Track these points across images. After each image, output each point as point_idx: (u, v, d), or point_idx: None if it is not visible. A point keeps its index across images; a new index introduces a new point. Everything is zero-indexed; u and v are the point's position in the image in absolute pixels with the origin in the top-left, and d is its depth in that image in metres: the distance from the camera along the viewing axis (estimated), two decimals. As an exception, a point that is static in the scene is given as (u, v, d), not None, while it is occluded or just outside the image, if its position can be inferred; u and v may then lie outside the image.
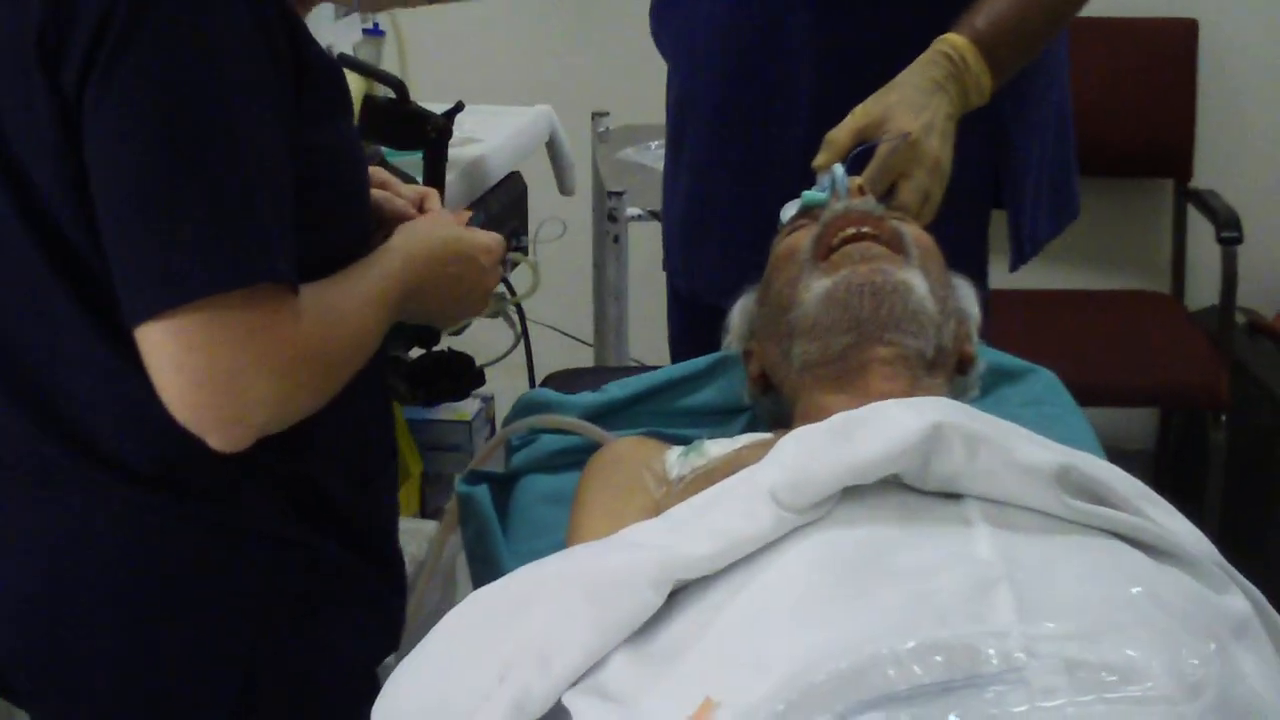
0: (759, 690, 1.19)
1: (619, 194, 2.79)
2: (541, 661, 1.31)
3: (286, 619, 1.56)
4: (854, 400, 1.57)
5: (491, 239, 1.80)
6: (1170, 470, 3.88)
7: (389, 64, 3.25)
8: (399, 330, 2.10)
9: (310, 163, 1.48)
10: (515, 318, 2.50)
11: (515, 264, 2.55)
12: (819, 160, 1.85)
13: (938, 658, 1.19)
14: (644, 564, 1.34)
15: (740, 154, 2.17)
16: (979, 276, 2.22)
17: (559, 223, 2.68)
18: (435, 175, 2.09)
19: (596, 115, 3.31)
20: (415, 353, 2.33)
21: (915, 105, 1.87)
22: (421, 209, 1.81)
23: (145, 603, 1.52)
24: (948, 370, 1.69)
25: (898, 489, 1.38)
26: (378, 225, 1.72)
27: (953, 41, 1.92)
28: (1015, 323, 3.61)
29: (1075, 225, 2.40)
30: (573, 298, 3.20)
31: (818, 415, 1.50)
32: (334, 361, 1.50)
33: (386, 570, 1.68)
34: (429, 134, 2.07)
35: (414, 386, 2.20)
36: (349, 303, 1.53)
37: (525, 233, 2.73)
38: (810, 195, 1.80)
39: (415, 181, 1.98)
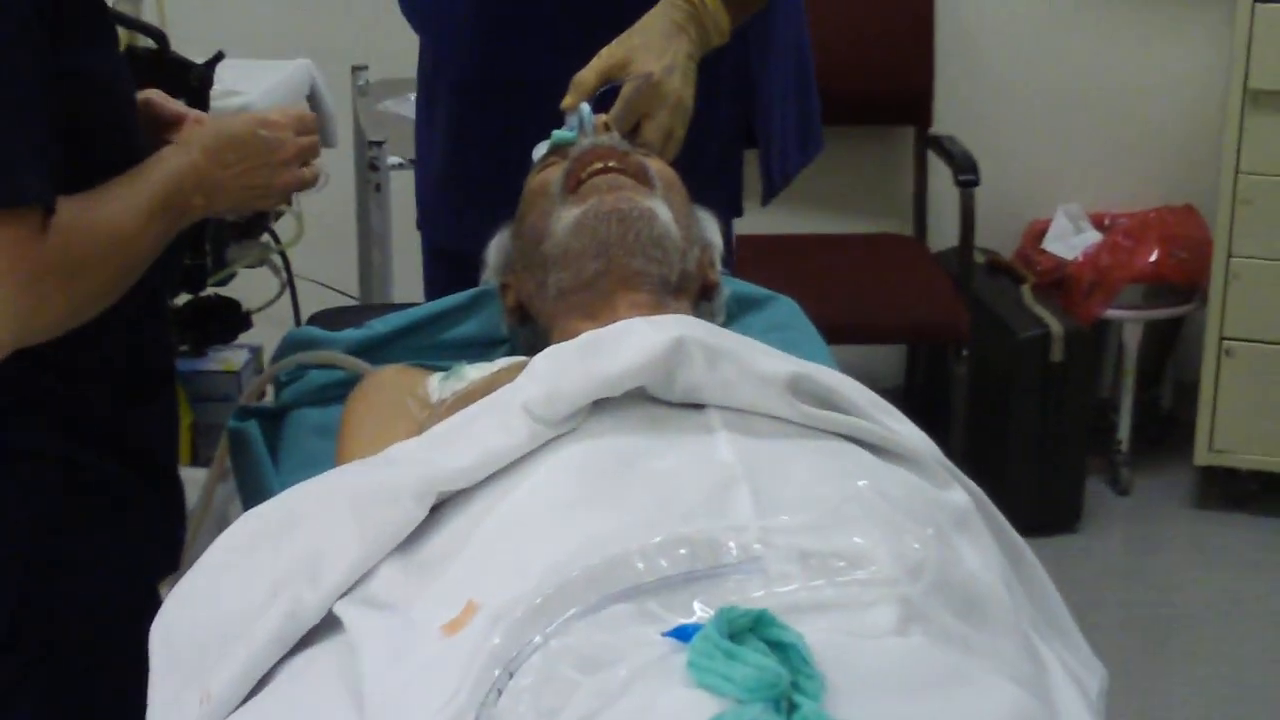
0: (518, 589, 1.27)
1: (379, 143, 2.85)
2: (311, 574, 1.38)
3: (52, 535, 1.63)
4: (603, 324, 1.66)
5: (276, 112, 1.86)
6: (918, 402, 4.07)
7: (149, 16, 3.27)
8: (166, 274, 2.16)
9: (73, 86, 1.56)
10: (281, 266, 2.57)
11: (278, 215, 2.61)
12: (566, 101, 1.94)
13: (682, 551, 1.28)
14: (406, 478, 1.42)
15: (499, 122, 2.24)
16: (734, 209, 2.35)
17: (322, 173, 2.74)
18: (199, 123, 2.13)
19: (356, 69, 3.36)
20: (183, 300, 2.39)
21: (657, 47, 1.97)
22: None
23: None
24: (691, 295, 1.79)
25: (645, 401, 1.47)
26: (155, 130, 1.81)
27: None
28: (767, 265, 3.75)
29: (823, 172, 2.52)
30: (337, 249, 3.25)
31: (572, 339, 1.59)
32: (89, 271, 1.57)
33: (164, 491, 1.74)
34: (191, 83, 2.11)
35: (183, 330, 2.26)
36: (109, 211, 1.60)
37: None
38: (559, 134, 1.89)
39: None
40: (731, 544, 1.29)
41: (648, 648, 1.21)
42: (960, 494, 1.50)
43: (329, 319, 2.15)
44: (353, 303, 3.39)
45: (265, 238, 2.60)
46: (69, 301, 1.56)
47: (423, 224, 2.44)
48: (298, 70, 3.00)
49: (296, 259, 2.75)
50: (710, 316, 1.86)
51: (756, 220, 3.13)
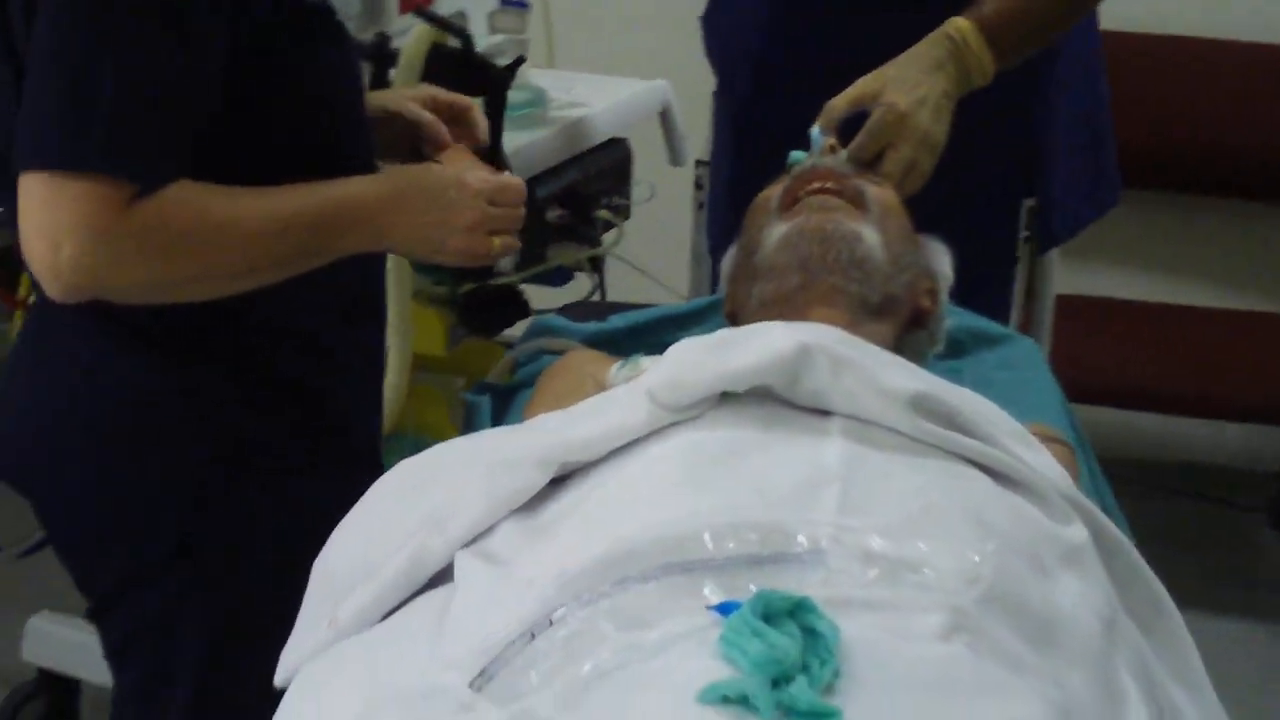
0: (592, 551, 1.35)
1: (704, 163, 2.95)
2: (439, 524, 1.48)
3: (228, 474, 1.77)
4: None
5: (475, 177, 1.85)
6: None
7: (536, 36, 3.45)
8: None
9: (266, 79, 1.68)
10: (590, 271, 2.69)
11: (605, 222, 2.73)
12: (815, 125, 2.01)
13: (752, 535, 1.33)
14: (533, 445, 1.51)
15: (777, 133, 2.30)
16: (1007, 261, 2.36)
17: (648, 186, 2.86)
18: (494, 119, 2.26)
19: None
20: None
21: (911, 80, 2.02)
22: (457, 118, 2.02)
23: (108, 434, 1.77)
24: (897, 320, 1.84)
25: (772, 402, 1.52)
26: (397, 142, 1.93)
27: (956, 24, 2.07)
28: (1143, 334, 3.73)
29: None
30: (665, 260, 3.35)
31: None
32: (179, 253, 1.64)
33: (355, 466, 1.85)
34: (489, 80, 2.24)
35: (462, 316, 2.39)
36: (232, 207, 1.66)
37: (622, 195, 2.90)
38: (794, 155, 1.97)
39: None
40: (801, 535, 1.33)
41: (690, 617, 1.26)
42: (1078, 531, 1.49)
43: (578, 311, 2.25)
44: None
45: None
46: (149, 273, 1.63)
47: (710, 229, 2.52)
48: (651, 90, 3.14)
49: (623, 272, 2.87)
50: (922, 344, 1.91)
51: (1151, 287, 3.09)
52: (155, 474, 1.76)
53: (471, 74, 2.27)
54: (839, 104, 2.02)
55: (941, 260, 1.97)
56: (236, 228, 1.66)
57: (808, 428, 1.50)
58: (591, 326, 2.09)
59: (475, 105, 2.05)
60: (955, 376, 1.98)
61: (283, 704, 1.42)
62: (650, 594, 1.29)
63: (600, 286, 2.73)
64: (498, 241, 1.84)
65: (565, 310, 2.31)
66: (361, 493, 1.60)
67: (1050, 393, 2.01)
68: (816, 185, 1.87)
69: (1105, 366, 3.69)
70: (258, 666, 1.57)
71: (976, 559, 1.33)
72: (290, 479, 1.81)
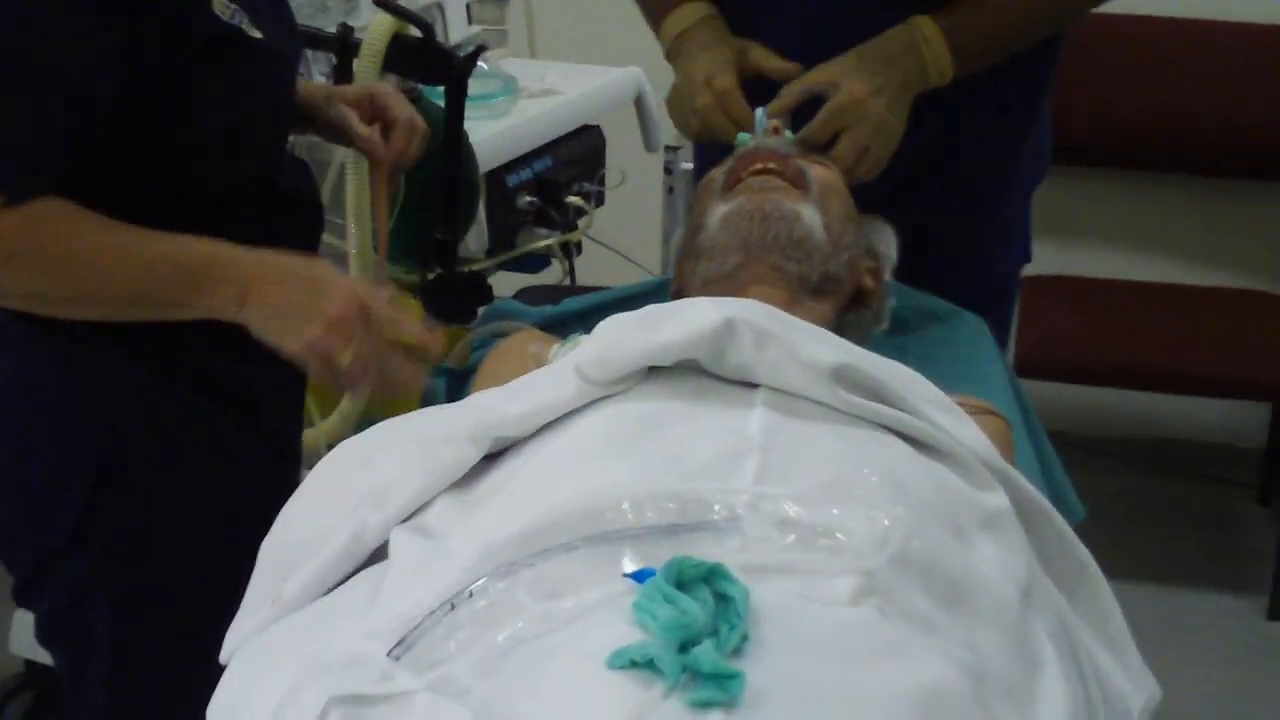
0: (517, 523, 1.39)
1: (675, 149, 2.99)
2: (378, 501, 1.52)
3: (126, 446, 1.80)
4: None
5: (359, 283, 1.79)
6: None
7: (517, 27, 3.49)
8: (416, 249, 2.33)
9: (166, 104, 1.69)
10: (562, 257, 2.73)
11: (576, 208, 2.77)
12: (761, 108, 2.05)
13: (670, 505, 1.37)
14: (466, 421, 1.55)
15: None
16: (1026, 254, 2.41)
17: (619, 172, 2.90)
18: (455, 107, 2.30)
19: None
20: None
21: (869, 70, 2.06)
22: (375, 105, 2.05)
23: (10, 415, 1.81)
24: (838, 298, 1.88)
25: (699, 375, 1.57)
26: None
27: (919, 21, 2.11)
28: (1124, 311, 3.76)
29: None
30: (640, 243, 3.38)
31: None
32: (25, 270, 1.64)
33: (269, 445, 1.90)
34: (450, 69, 2.28)
35: (426, 302, 2.43)
36: (95, 237, 1.65)
37: (593, 179, 2.95)
38: (741, 137, 2.01)
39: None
40: (718, 504, 1.37)
41: (607, 586, 1.30)
42: (998, 497, 1.53)
43: (537, 295, 2.29)
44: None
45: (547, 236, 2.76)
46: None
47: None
48: (625, 77, 3.19)
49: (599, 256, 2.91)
50: (865, 322, 1.95)
51: (1126, 265, 3.07)
52: (57, 457, 1.79)
53: (433, 63, 2.30)
54: (794, 88, 2.07)
55: (885, 240, 2.01)
56: (94, 257, 1.66)
57: (733, 400, 1.53)
58: (545, 310, 2.13)
59: (407, 117, 2.07)
60: (899, 353, 2.01)
61: (221, 681, 1.45)
62: (569, 564, 1.33)
63: (571, 271, 2.77)
64: (348, 355, 1.72)
65: (522, 294, 2.34)
66: (276, 480, 1.62)
67: (993, 366, 2.04)
68: (759, 166, 1.91)
69: (1083, 343, 3.72)
70: (169, 651, 1.61)
71: (886, 523, 1.37)
72: (193, 465, 1.84)
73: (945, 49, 2.10)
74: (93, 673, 1.85)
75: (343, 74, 2.35)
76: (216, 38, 1.71)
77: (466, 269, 2.59)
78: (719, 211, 1.89)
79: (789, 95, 2.07)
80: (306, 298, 1.71)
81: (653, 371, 1.56)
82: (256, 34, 1.75)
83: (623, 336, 1.56)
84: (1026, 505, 1.57)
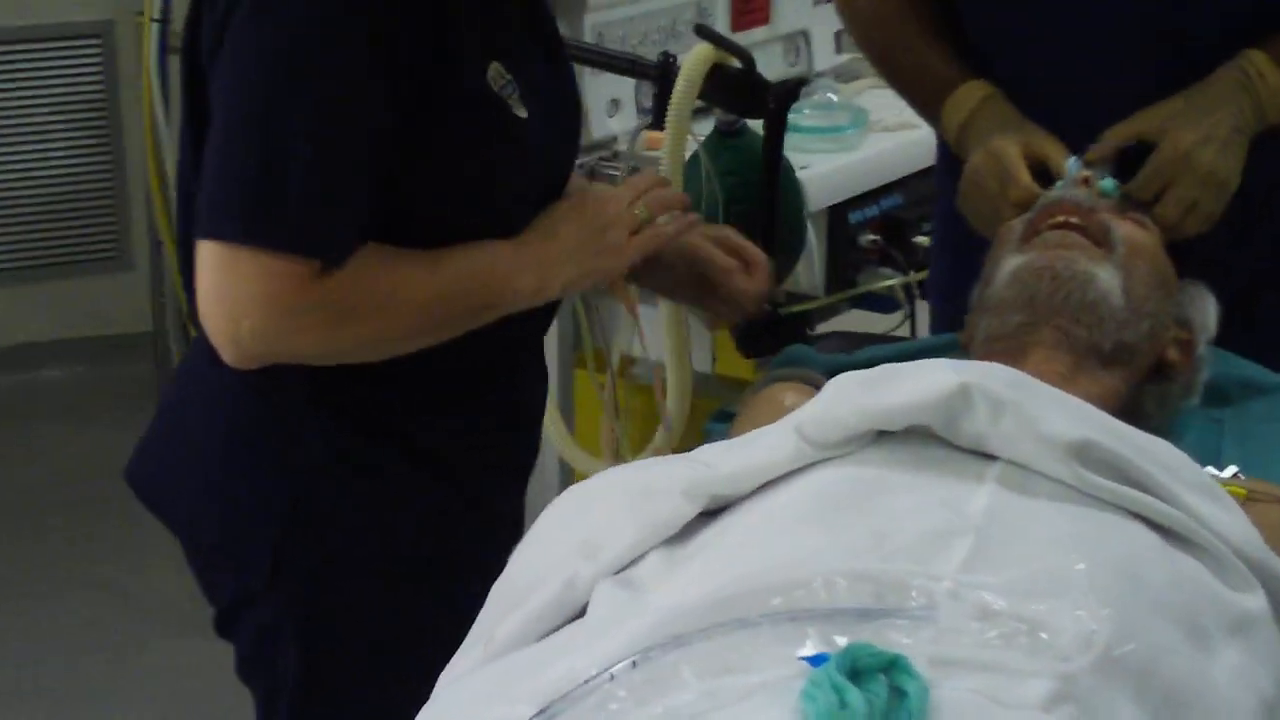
0: (705, 588, 1.31)
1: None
2: (592, 550, 1.47)
3: (316, 490, 1.79)
4: None
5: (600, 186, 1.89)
6: None
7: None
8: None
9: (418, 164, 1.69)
10: (903, 298, 2.63)
11: (924, 249, 2.66)
12: (1074, 155, 1.92)
13: (867, 586, 1.28)
14: (682, 477, 1.48)
15: None
16: None
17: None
18: (774, 142, 2.23)
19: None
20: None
21: (1196, 115, 1.91)
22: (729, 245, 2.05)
23: (222, 460, 1.81)
24: (1134, 370, 1.75)
25: (931, 442, 1.46)
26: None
27: (1251, 56, 1.94)
28: None
29: None
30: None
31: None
32: (354, 322, 1.67)
33: (461, 498, 1.86)
34: (768, 102, 2.21)
35: (739, 341, 2.37)
36: (398, 275, 1.68)
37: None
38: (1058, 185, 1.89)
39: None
40: (915, 590, 1.27)
41: (780, 668, 1.22)
42: (1255, 599, 1.38)
43: (837, 342, 2.21)
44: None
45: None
46: (327, 341, 1.67)
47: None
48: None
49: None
50: (1171, 397, 1.83)
51: None
52: (252, 500, 1.80)
53: (751, 96, 2.24)
54: (1113, 134, 1.93)
55: (1202, 309, 1.87)
56: (402, 299, 1.69)
57: (963, 472, 1.43)
58: (836, 358, 2.03)
59: (763, 261, 2.06)
60: (1215, 428, 1.89)
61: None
62: (747, 640, 1.26)
63: (912, 316, 2.66)
64: (640, 207, 1.84)
65: (825, 341, 2.26)
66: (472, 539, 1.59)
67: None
68: (1060, 219, 1.79)
69: None
70: (354, 696, 1.58)
71: (1093, 624, 1.24)
72: (382, 519, 1.82)
73: None
74: (281, 713, 1.84)
75: (663, 102, 2.30)
76: (477, 102, 1.71)
77: (796, 308, 2.52)
78: (1010, 265, 1.77)
79: (1107, 142, 1.93)
80: (584, 222, 1.79)
81: (884, 435, 1.46)
82: (522, 113, 1.74)
83: (847, 396, 1.47)
84: None
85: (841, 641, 1.22)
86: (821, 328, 2.99)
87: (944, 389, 1.43)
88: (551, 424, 2.62)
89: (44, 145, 4.82)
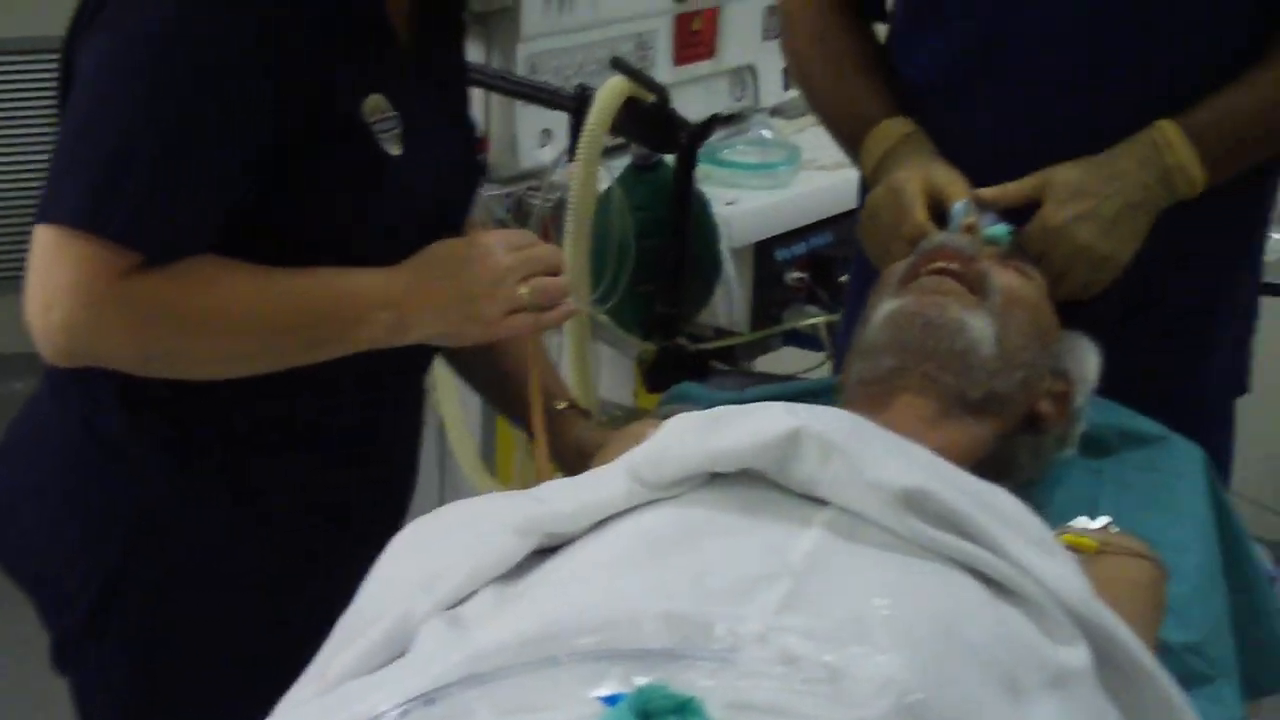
0: (518, 627, 1.31)
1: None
2: (429, 585, 1.46)
3: (149, 523, 1.76)
4: (874, 421, 1.65)
5: (496, 235, 1.78)
6: None
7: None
8: (639, 319, 2.28)
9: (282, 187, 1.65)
10: (826, 339, 2.63)
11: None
12: (960, 199, 1.91)
13: (675, 627, 1.27)
14: (517, 514, 1.48)
15: None
16: (1240, 386, 2.21)
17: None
18: (684, 178, 2.24)
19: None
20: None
21: (1076, 189, 1.88)
22: None
23: (56, 491, 1.79)
24: (1004, 420, 1.73)
25: (765, 485, 1.45)
26: None
27: (1161, 127, 1.91)
28: None
29: None
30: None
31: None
32: (167, 330, 1.61)
33: (275, 538, 1.82)
34: (680, 139, 2.21)
35: (644, 374, 2.37)
36: (227, 290, 1.63)
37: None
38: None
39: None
40: (723, 631, 1.26)
41: (576, 708, 1.21)
42: (1076, 654, 1.37)
43: (726, 380, 2.20)
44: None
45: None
46: (135, 345, 1.61)
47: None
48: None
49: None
50: (1043, 448, 1.81)
51: None
52: (85, 530, 1.77)
53: (664, 131, 2.25)
54: (991, 195, 1.91)
55: (1082, 361, 1.86)
56: (226, 315, 1.64)
57: (792, 516, 1.42)
58: (727, 395, 2.02)
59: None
60: (1095, 478, 1.88)
61: None
62: (550, 679, 1.25)
63: (837, 355, 2.66)
64: (525, 289, 1.75)
65: (717, 379, 2.26)
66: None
67: (1193, 500, 1.84)
68: (938, 265, 1.78)
69: None
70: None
71: (893, 674, 1.23)
72: (212, 561, 1.80)
73: (1193, 156, 1.90)
74: None
75: (576, 132, 2.31)
76: (345, 133, 1.68)
77: (712, 345, 2.53)
78: (885, 309, 1.77)
79: (1003, 193, 1.91)
80: (456, 284, 1.72)
81: (719, 477, 1.46)
82: (395, 150, 1.71)
83: (681, 438, 1.46)
84: (1126, 665, 1.40)
85: (641, 682, 1.21)
86: (761, 364, 3.00)
87: (776, 433, 1.42)
88: (463, 455, 2.63)
89: (40, 155, 4.83)
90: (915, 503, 1.40)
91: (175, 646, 1.79)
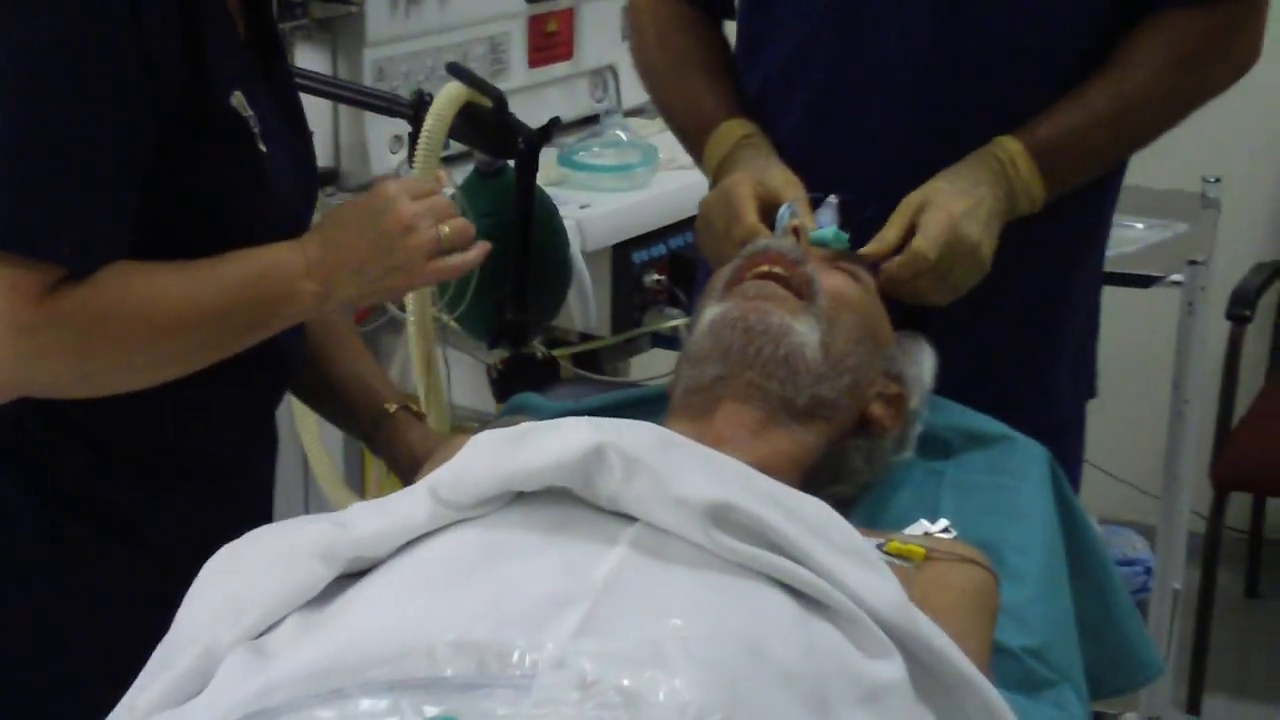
0: (313, 656, 1.27)
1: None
2: (235, 614, 1.41)
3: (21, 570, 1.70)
4: (696, 431, 1.62)
5: (397, 184, 1.73)
6: None
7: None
8: (486, 325, 2.23)
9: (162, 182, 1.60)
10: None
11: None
12: (788, 201, 1.87)
13: (470, 656, 1.23)
14: (320, 538, 1.43)
15: None
16: (1090, 390, 2.19)
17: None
18: (525, 184, 2.18)
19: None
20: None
21: (959, 191, 1.86)
22: None
23: None
24: (833, 425, 1.71)
25: (570, 502, 1.41)
26: None
27: (1004, 143, 1.91)
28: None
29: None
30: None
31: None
32: (111, 341, 1.55)
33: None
34: (518, 144, 2.16)
35: (493, 383, 2.32)
36: (161, 287, 1.57)
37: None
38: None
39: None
40: (520, 656, 1.23)
41: None
42: (889, 667, 1.34)
43: (563, 391, 2.16)
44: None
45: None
46: (78, 363, 1.56)
47: None
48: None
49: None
50: (878, 452, 1.79)
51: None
52: None
53: (502, 136, 2.19)
54: (871, 251, 1.85)
55: (917, 362, 1.83)
56: (168, 312, 1.59)
57: (597, 534, 1.38)
58: (564, 404, 1.98)
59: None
60: (936, 480, 1.84)
61: None
62: (339, 710, 1.21)
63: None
64: (446, 228, 1.71)
65: (559, 387, 2.21)
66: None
67: (1036, 501, 1.81)
68: (762, 269, 1.74)
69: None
70: None
71: (689, 696, 1.19)
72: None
73: (1036, 174, 1.90)
74: None
75: (415, 140, 2.25)
76: (228, 125, 1.65)
77: (563, 351, 2.48)
78: (709, 315, 1.73)
79: (882, 244, 1.86)
80: (371, 237, 1.68)
81: (525, 496, 1.42)
82: (263, 147, 1.68)
83: (481, 457, 1.42)
84: (946, 674, 1.37)
85: (431, 712, 1.18)
86: (633, 366, 2.96)
87: (578, 449, 1.38)
88: (322, 473, 2.58)
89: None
90: (722, 516, 1.36)
91: (49, 681, 1.74)
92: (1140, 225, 2.89)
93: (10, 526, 1.70)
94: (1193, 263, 2.71)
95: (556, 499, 1.41)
